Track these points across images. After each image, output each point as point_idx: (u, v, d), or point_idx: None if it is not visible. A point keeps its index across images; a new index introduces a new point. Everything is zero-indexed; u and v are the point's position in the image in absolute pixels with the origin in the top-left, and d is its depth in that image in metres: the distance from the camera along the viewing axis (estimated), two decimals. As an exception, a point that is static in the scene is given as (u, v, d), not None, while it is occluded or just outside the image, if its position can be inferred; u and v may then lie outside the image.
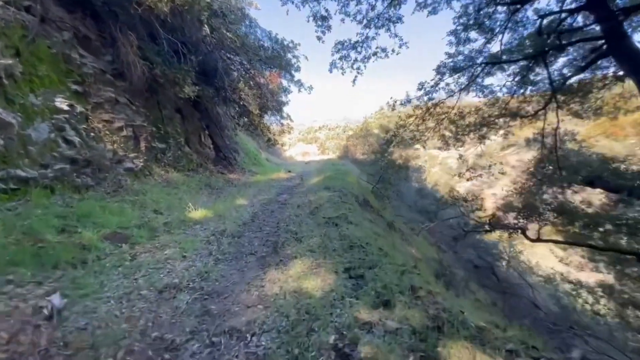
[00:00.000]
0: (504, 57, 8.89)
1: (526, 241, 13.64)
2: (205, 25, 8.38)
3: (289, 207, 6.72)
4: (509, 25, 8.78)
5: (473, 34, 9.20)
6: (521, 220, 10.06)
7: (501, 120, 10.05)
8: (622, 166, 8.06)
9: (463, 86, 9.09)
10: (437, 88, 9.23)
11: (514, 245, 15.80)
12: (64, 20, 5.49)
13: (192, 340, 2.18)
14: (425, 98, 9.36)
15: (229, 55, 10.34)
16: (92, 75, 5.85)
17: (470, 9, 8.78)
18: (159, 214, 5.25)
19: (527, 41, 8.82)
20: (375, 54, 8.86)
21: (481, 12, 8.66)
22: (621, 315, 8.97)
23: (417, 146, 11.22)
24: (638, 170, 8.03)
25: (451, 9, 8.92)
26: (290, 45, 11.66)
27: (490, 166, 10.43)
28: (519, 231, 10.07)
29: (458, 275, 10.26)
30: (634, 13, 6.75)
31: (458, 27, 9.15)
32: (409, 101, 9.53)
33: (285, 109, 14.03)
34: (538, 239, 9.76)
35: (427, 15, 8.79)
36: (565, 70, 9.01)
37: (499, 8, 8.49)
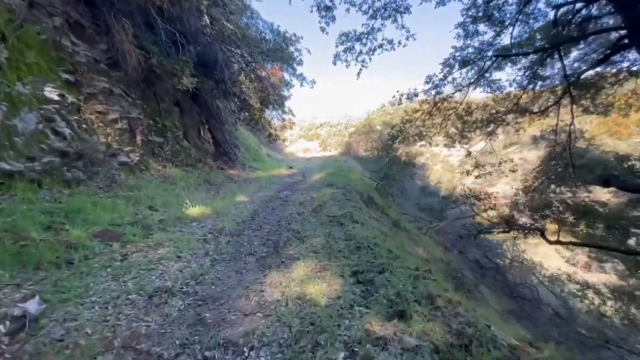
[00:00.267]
0: (515, 50, 8.57)
1: (530, 241, 13.28)
2: (205, 15, 8.06)
3: (290, 204, 6.51)
4: (520, 17, 8.46)
5: (482, 27, 8.86)
6: (539, 221, 9.60)
7: (510, 116, 9.76)
8: (638, 164, 7.73)
9: (472, 80, 8.78)
10: (445, 82, 8.93)
11: (517, 245, 15.50)
12: (55, 5, 5.18)
13: (181, 355, 1.92)
14: (433, 92, 9.06)
15: (229, 47, 9.99)
16: (85, 64, 5.56)
17: (480, 0, 8.46)
18: (154, 210, 4.99)
19: (538, 34, 8.51)
20: (381, 45, 8.51)
21: (491, 4, 8.33)
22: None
23: (422, 142, 10.89)
24: None
25: (459, 0, 8.60)
26: (293, 38, 11.40)
27: (500, 163, 10.10)
28: (538, 232, 9.59)
29: (467, 277, 9.95)
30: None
31: (466, 20, 8.80)
32: (415, 95, 9.22)
33: (287, 103, 13.77)
34: (557, 241, 9.25)
35: (435, 7, 8.47)
36: (576, 65, 8.72)
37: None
